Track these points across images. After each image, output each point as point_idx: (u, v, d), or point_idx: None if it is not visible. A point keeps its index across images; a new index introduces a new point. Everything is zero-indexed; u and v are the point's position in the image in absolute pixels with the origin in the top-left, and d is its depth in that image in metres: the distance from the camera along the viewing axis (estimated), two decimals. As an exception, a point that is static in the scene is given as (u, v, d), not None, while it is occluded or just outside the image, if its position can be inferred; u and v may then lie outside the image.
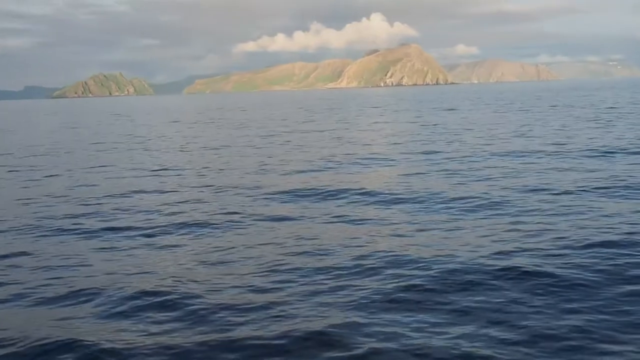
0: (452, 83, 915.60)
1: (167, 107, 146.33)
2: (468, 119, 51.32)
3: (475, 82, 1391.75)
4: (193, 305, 9.40)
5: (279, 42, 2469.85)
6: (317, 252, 12.03)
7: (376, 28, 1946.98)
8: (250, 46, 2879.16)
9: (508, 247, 11.78)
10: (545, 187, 17.69)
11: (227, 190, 19.47)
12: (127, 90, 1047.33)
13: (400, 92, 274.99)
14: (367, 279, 10.33)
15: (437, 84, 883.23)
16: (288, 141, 36.36)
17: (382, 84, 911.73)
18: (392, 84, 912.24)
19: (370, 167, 23.49)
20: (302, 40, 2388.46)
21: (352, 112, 76.91)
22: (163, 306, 9.41)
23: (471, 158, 24.80)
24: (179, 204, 17.39)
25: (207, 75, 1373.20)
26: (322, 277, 10.50)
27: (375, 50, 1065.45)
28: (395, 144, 32.26)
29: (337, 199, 17.37)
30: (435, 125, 45.72)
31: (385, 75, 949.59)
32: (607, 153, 24.54)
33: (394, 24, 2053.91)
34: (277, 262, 11.38)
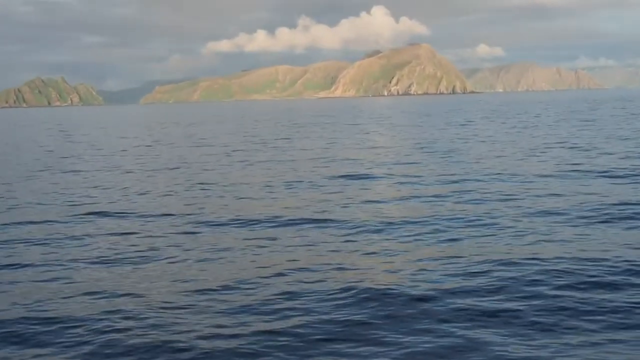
0: (472, 92, 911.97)
1: (117, 119, 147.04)
2: (478, 136, 52.26)
3: (501, 90, 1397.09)
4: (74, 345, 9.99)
5: (259, 41, 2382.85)
6: (243, 287, 12.58)
7: (378, 24, 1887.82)
8: (223, 45, 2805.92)
9: (465, 284, 12.40)
10: (528, 219, 18.39)
11: (158, 218, 20.00)
12: (71, 99, 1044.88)
13: (407, 102, 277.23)
14: (292, 318, 10.90)
15: (453, 92, 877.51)
16: (250, 164, 36.98)
17: (385, 93, 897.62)
18: (398, 92, 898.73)
19: (338, 193, 24.10)
20: (287, 38, 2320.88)
21: (341, 126, 77.82)
22: (45, 341, 10.04)
23: (460, 183, 25.50)
24: (94, 236, 17.91)
25: (170, 81, 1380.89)
26: (244, 316, 11.04)
27: (378, 52, 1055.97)
28: (378, 165, 32.96)
29: (284, 226, 17.96)
30: (435, 142, 46.56)
31: (390, 81, 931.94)
32: (622, 177, 25.34)
33: (399, 19, 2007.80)
34: (190, 301, 11.94)
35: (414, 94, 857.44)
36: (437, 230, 16.97)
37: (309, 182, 27.20)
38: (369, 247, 15.54)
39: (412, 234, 16.73)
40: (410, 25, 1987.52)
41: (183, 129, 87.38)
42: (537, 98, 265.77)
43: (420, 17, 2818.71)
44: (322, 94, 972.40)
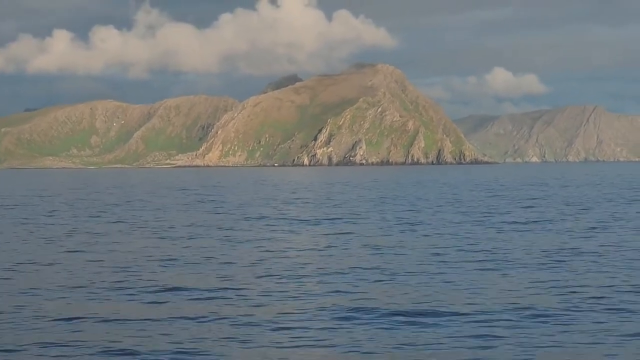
0: (477, 161, 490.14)
1: None
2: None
3: (536, 160, 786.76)
4: None
5: (58, 52, 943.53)
6: None
7: (294, 25, 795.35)
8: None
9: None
10: None
11: None
12: None
13: (338, 183, 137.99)
14: None
15: (438, 161, 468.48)
16: None
17: (305, 160, 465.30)
18: (330, 159, 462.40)
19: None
20: (113, 48, 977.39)
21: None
22: None
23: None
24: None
25: None
26: None
27: (293, 79, 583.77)
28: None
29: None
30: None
31: (315, 138, 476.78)
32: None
33: (334, 13, 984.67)
34: None
35: (361, 163, 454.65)
36: None
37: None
38: None
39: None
40: (356, 28, 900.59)
41: None
42: (601, 172, 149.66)
43: (375, 13, 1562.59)
44: (181, 160, 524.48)
